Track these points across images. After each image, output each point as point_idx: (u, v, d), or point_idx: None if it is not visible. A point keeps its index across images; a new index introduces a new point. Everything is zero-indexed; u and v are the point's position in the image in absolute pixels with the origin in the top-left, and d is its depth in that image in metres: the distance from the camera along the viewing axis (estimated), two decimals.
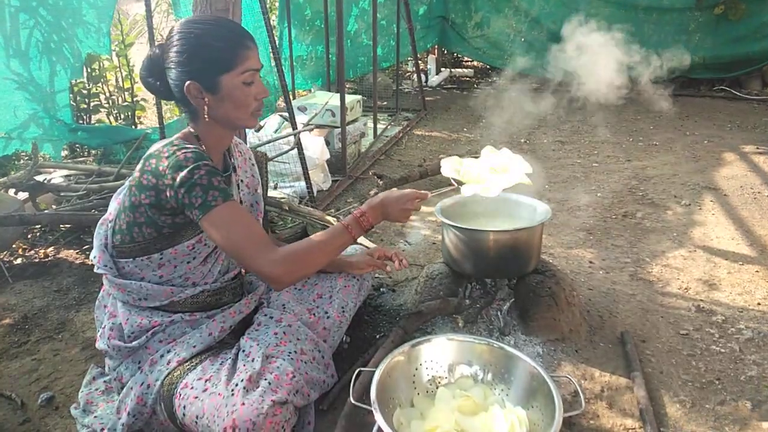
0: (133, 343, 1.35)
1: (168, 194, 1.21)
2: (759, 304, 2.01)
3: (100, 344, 1.42)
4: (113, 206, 1.38)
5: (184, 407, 1.21)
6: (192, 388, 1.23)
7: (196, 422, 1.18)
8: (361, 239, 2.36)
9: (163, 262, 1.33)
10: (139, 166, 1.28)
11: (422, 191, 1.41)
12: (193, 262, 1.36)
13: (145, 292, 1.35)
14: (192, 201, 1.18)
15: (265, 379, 1.20)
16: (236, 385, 1.19)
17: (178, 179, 1.19)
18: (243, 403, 1.14)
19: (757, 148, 3.85)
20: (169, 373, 1.28)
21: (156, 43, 1.35)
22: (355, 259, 1.61)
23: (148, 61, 1.31)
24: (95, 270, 1.39)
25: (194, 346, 1.33)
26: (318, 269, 1.32)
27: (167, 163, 1.21)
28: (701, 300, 2.04)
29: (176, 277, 1.36)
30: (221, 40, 1.25)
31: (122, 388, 1.35)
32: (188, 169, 1.19)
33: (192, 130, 1.34)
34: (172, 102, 1.39)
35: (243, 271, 1.56)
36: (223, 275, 1.44)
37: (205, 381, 1.23)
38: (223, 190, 1.21)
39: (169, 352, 1.33)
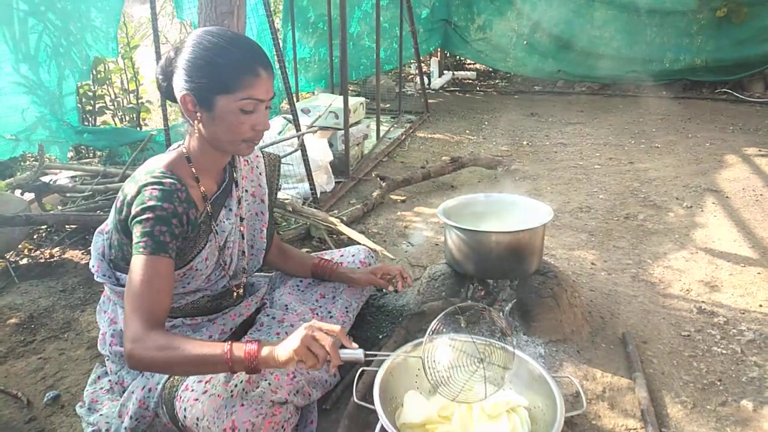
0: None
1: (128, 225, 1.21)
2: (761, 305, 2.00)
3: (101, 349, 1.43)
4: (110, 216, 1.37)
5: (185, 410, 1.21)
6: (192, 390, 1.23)
7: (197, 424, 1.19)
8: (365, 240, 2.37)
9: None
10: (124, 185, 1.26)
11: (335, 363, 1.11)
12: (187, 286, 1.35)
13: None
14: (131, 238, 1.18)
15: (265, 380, 1.21)
16: (235, 386, 1.19)
17: (132, 213, 1.19)
18: (242, 405, 1.14)
19: (759, 150, 3.85)
20: (170, 376, 1.29)
21: (172, 46, 1.33)
22: (357, 276, 1.60)
23: (163, 61, 1.28)
24: (95, 278, 1.38)
25: None
26: (171, 375, 1.24)
27: (136, 194, 1.20)
28: (703, 301, 2.04)
29: (177, 293, 1.35)
30: (228, 59, 1.18)
31: (124, 392, 1.36)
32: (141, 207, 1.17)
33: (184, 150, 1.30)
34: (176, 105, 1.37)
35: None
36: (223, 286, 1.43)
37: (205, 383, 1.23)
38: (159, 243, 1.15)
39: None
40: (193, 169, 1.29)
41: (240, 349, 1.09)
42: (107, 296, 1.44)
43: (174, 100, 1.30)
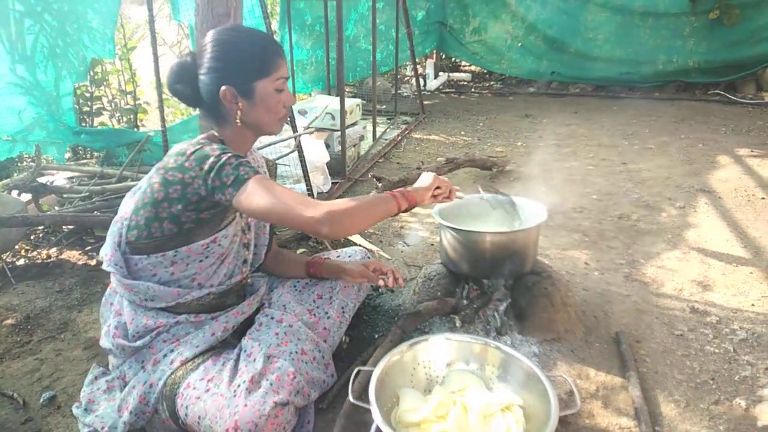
0: (137, 342, 1.36)
1: (196, 185, 1.23)
2: (753, 305, 2.02)
3: (104, 342, 1.43)
4: (129, 205, 1.39)
5: (187, 407, 1.23)
6: (194, 388, 1.24)
7: (199, 423, 1.20)
8: (361, 241, 2.39)
9: (176, 260, 1.34)
10: (162, 164, 1.30)
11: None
12: (205, 261, 1.37)
13: (152, 293, 1.36)
14: (224, 181, 1.20)
15: (267, 380, 1.22)
16: (238, 386, 1.20)
17: (206, 166, 1.21)
18: (245, 405, 1.15)
19: (752, 151, 3.89)
20: (172, 373, 1.30)
21: (188, 51, 1.39)
22: (348, 267, 1.62)
23: (178, 67, 1.33)
24: (104, 267, 1.38)
25: (197, 346, 1.35)
26: (361, 228, 1.29)
27: (194, 157, 1.24)
28: (695, 301, 2.05)
29: (185, 276, 1.37)
30: (257, 47, 1.31)
31: (125, 387, 1.36)
32: (215, 155, 1.22)
33: (216, 134, 1.38)
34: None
35: (246, 275, 1.57)
36: (228, 278, 1.45)
37: (208, 381, 1.25)
38: (252, 168, 1.22)
39: (172, 351, 1.35)
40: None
41: (399, 192, 1.34)
42: (113, 288, 1.44)
43: (194, 104, 1.37)
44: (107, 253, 1.38)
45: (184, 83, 1.33)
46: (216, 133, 1.38)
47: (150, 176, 1.34)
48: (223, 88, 1.28)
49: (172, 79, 1.34)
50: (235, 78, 1.29)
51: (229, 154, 1.23)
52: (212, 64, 1.29)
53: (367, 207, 1.26)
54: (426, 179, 1.44)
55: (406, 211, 1.36)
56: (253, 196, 1.17)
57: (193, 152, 1.25)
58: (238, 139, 1.38)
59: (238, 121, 1.33)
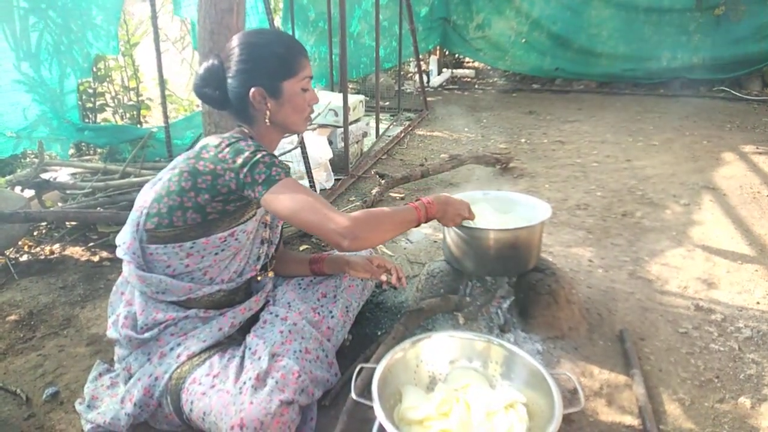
0: (145, 334, 1.36)
1: (227, 177, 1.25)
2: (758, 303, 2.01)
3: (111, 332, 1.43)
4: (149, 195, 1.38)
5: (192, 402, 1.23)
6: (200, 384, 1.25)
7: (203, 418, 1.21)
8: None
9: (192, 252, 1.35)
10: (192, 154, 1.32)
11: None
12: (220, 254, 1.38)
13: (164, 287, 1.36)
14: (255, 178, 1.23)
15: (272, 378, 1.22)
16: (244, 383, 1.21)
17: (240, 161, 1.24)
18: (251, 402, 1.16)
19: (757, 148, 3.86)
20: (178, 367, 1.30)
21: (215, 54, 1.42)
22: (353, 259, 1.62)
23: (206, 71, 1.36)
24: (119, 254, 1.38)
25: (204, 341, 1.36)
26: (380, 242, 1.33)
27: (228, 150, 1.27)
28: (700, 299, 2.04)
29: (199, 269, 1.37)
30: (283, 48, 1.35)
31: (129, 378, 1.37)
32: (251, 151, 1.25)
33: (246, 130, 1.40)
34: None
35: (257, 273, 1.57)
36: (238, 275, 1.46)
37: (213, 377, 1.25)
38: (285, 168, 1.26)
39: (179, 345, 1.35)
40: None
41: (422, 204, 1.41)
42: (125, 278, 1.43)
43: (222, 107, 1.40)
44: (125, 241, 1.37)
45: (212, 87, 1.36)
46: (246, 130, 1.40)
47: (174, 166, 1.35)
48: (252, 89, 1.32)
49: (200, 84, 1.37)
50: (263, 79, 1.33)
51: (264, 152, 1.26)
52: (240, 66, 1.32)
53: (389, 221, 1.32)
54: (457, 203, 1.50)
55: (426, 222, 1.42)
56: (281, 198, 1.20)
57: (228, 145, 1.27)
58: (266, 138, 1.40)
59: (267, 120, 1.36)
